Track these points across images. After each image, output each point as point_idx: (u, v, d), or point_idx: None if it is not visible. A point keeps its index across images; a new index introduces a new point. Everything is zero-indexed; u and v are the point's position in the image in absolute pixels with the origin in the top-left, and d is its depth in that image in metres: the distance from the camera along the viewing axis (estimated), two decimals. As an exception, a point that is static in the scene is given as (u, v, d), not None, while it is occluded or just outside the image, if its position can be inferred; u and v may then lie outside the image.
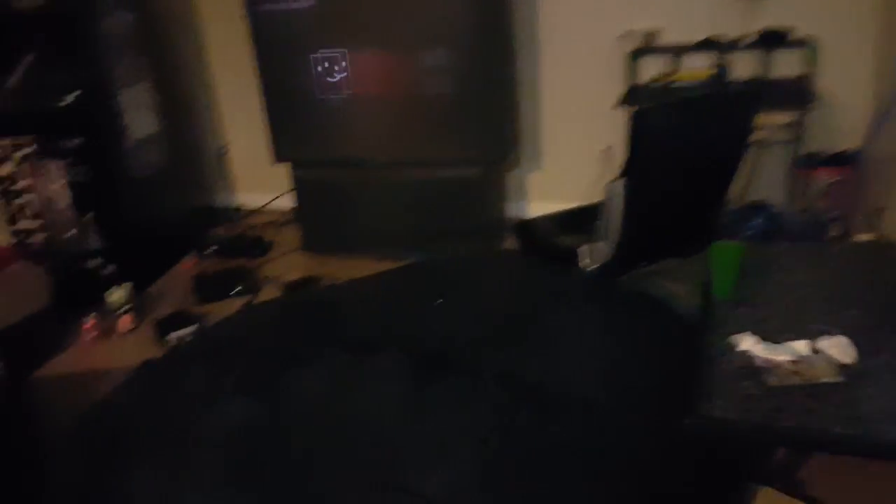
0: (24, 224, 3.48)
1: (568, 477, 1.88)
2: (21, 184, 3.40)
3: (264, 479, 2.09)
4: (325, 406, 2.25)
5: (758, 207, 3.57)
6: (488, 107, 3.54)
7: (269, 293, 3.52)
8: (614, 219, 2.50)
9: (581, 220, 2.91)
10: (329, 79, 3.56)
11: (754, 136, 2.90)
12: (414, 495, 1.90)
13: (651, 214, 2.49)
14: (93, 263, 3.51)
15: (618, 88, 3.63)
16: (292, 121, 3.72)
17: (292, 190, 3.91)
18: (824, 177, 3.43)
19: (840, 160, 3.43)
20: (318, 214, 3.90)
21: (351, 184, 3.77)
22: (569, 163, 3.99)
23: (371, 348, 2.45)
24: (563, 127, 3.96)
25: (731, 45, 3.43)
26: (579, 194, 3.75)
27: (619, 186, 2.42)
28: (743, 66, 3.50)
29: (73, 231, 3.46)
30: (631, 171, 2.40)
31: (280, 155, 3.79)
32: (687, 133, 2.41)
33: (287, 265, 3.81)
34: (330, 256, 3.84)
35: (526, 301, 2.84)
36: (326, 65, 3.53)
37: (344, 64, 3.52)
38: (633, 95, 3.56)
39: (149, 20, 3.83)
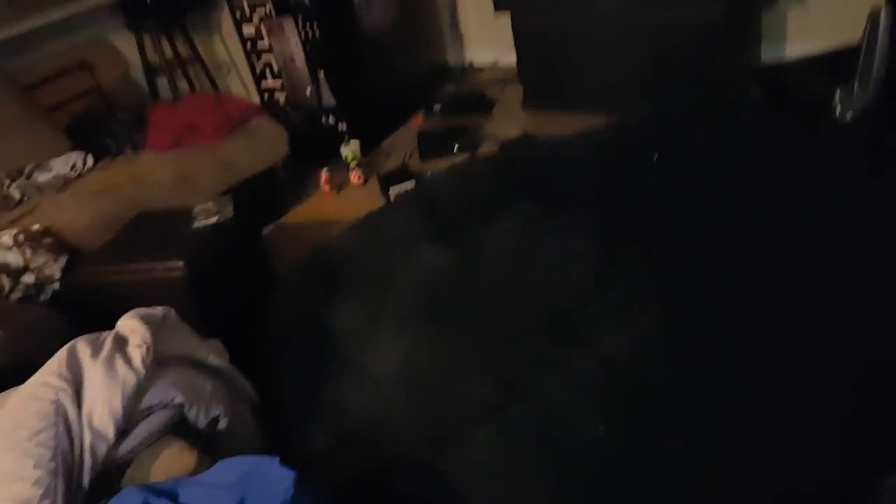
0: (268, 83, 3.76)
1: (767, 350, 1.64)
2: (263, 43, 3.63)
3: (450, 321, 2.13)
4: (512, 258, 2.21)
5: None
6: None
7: (486, 151, 3.46)
8: (877, 55, 2.01)
9: (843, 63, 2.40)
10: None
11: None
12: (591, 351, 1.79)
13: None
14: (327, 120, 3.70)
15: None
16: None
17: (515, 42, 3.71)
18: None
19: None
20: (541, 68, 3.67)
21: (575, 31, 3.45)
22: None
23: (566, 204, 2.31)
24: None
25: None
26: (853, 33, 3.10)
27: (884, 13, 1.92)
28: None
29: (310, 88, 3.65)
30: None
31: (500, 1, 3.58)
32: None
33: (508, 122, 3.69)
34: (552, 113, 3.63)
35: (759, 161, 2.46)
36: None
37: None
38: None
39: None
